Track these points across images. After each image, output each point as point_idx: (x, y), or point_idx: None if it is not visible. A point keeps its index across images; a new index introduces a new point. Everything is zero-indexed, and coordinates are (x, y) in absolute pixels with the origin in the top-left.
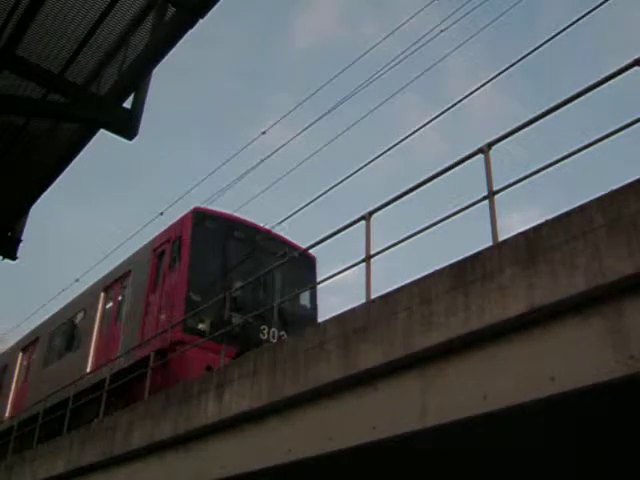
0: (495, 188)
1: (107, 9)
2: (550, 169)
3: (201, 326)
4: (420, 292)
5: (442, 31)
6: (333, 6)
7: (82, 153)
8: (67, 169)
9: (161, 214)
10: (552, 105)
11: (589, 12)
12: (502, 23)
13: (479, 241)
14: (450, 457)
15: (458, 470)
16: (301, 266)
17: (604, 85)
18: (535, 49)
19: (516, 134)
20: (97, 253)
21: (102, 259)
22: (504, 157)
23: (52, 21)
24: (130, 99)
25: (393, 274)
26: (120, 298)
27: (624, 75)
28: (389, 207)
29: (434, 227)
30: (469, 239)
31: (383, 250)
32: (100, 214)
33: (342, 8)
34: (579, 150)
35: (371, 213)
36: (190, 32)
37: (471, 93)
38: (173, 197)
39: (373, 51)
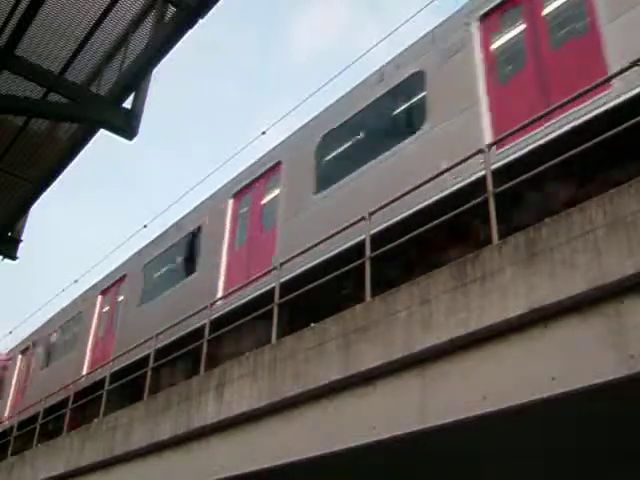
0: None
1: (107, 9)
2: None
3: None
4: (420, 292)
5: None
6: (334, 10)
7: (81, 153)
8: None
9: (145, 227)
10: (552, 106)
11: None
12: None
13: None
14: (450, 457)
15: (458, 470)
16: None
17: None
18: None
19: None
20: (88, 256)
21: (96, 263)
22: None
23: (52, 21)
24: (130, 99)
25: None
26: (266, 198)
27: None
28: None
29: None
30: None
31: (383, 250)
32: (94, 216)
33: (343, 12)
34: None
35: (371, 213)
36: (190, 33)
37: None
38: (171, 199)
39: (374, 52)
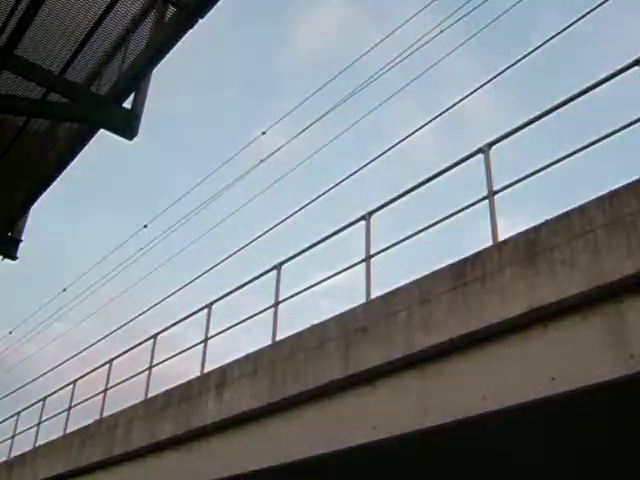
0: (495, 188)
1: (107, 9)
2: (549, 170)
3: None
4: (420, 292)
5: (442, 31)
6: (334, 10)
7: (82, 153)
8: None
9: (145, 227)
10: (553, 104)
11: (589, 12)
12: (500, 24)
13: (479, 241)
14: (450, 457)
15: (458, 470)
16: None
17: (604, 85)
18: (533, 50)
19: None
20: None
21: (91, 267)
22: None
23: (52, 21)
24: (130, 99)
25: (389, 276)
26: None
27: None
28: (389, 207)
29: (434, 227)
30: (469, 240)
31: (383, 250)
32: (94, 216)
33: (343, 12)
34: (578, 151)
35: (371, 213)
36: (190, 32)
37: (467, 96)
38: (171, 199)
39: (374, 54)
